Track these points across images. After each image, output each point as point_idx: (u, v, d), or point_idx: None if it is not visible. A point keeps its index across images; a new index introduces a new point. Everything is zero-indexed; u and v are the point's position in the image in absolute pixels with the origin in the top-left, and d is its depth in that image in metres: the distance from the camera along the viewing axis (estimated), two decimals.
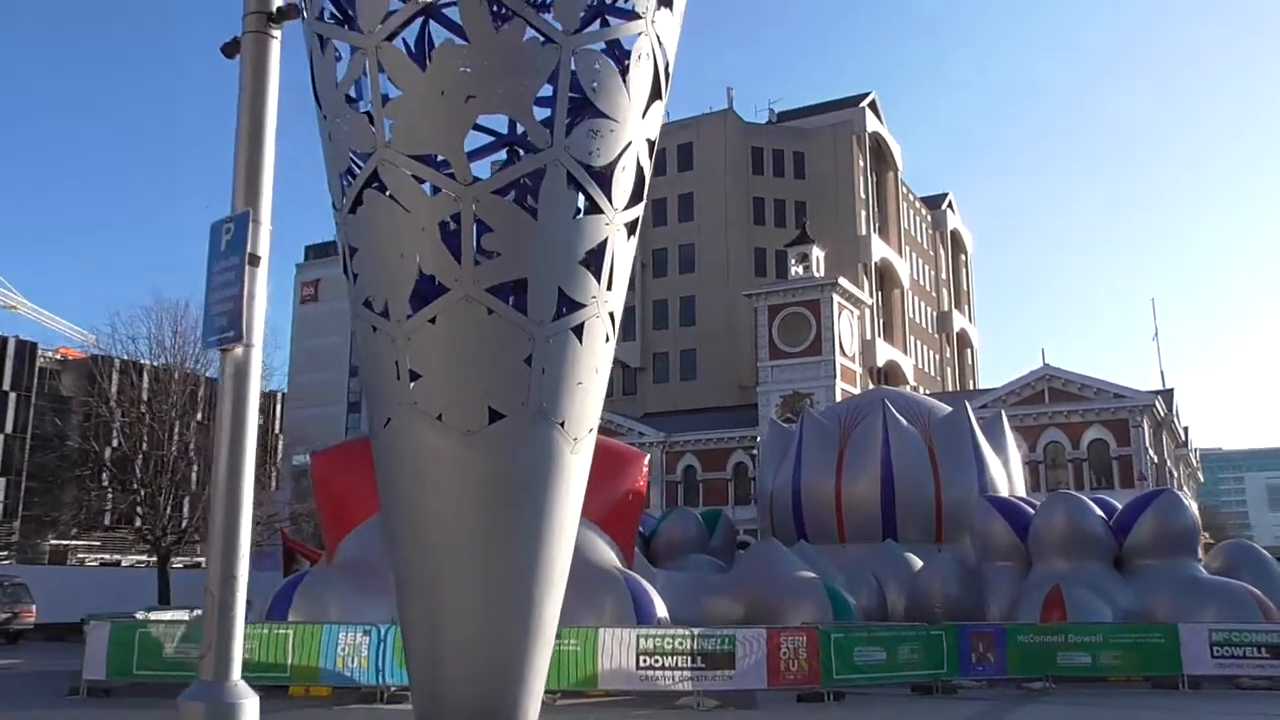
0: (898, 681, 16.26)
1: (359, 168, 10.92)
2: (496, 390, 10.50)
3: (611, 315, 11.42)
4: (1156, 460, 52.22)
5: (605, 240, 11.00)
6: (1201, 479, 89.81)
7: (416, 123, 10.47)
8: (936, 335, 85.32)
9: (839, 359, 54.48)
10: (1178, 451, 64.01)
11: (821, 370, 54.36)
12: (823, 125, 70.09)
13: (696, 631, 15.13)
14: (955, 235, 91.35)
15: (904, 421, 27.30)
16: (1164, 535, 21.92)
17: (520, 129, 11.17)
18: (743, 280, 63.86)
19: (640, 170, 11.46)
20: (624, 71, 11.03)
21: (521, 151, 11.51)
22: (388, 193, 10.54)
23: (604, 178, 10.91)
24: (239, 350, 5.23)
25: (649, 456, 22.92)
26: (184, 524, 34.21)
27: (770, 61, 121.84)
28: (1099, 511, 22.63)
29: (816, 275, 56.02)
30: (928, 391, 67.48)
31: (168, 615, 21.00)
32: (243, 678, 14.96)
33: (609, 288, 11.21)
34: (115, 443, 36.53)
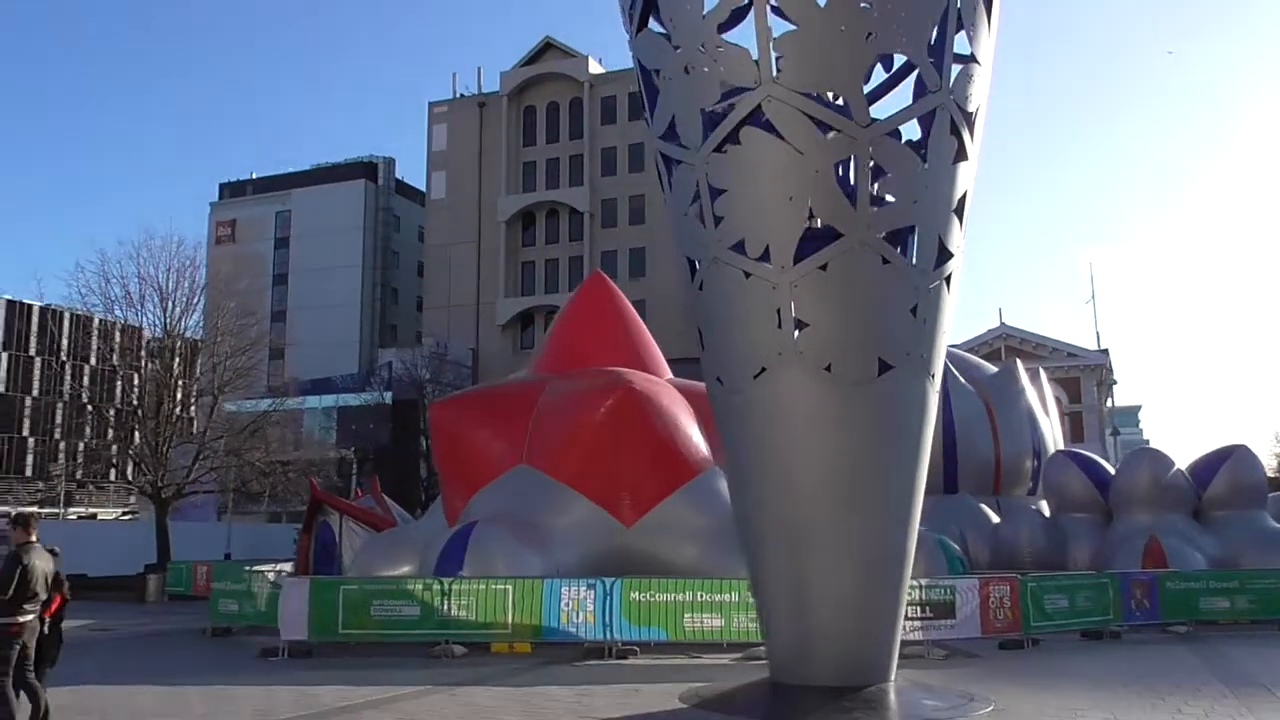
0: (1072, 628, 16.76)
1: (729, 104, 10.42)
2: (886, 341, 10.23)
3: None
4: (1101, 417, 54.83)
5: (968, 189, 10.81)
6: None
7: (812, 59, 10.01)
8: None
9: None
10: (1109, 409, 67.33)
11: None
12: None
13: (924, 582, 15.20)
14: None
15: (963, 380, 27.90)
16: (1239, 488, 23.08)
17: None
18: None
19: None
20: (989, 16, 10.81)
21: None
22: (774, 132, 10.08)
23: (971, 123, 10.69)
24: None
25: None
26: (189, 474, 32.38)
27: None
28: (1180, 467, 23.76)
29: None
30: None
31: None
32: (452, 633, 14.26)
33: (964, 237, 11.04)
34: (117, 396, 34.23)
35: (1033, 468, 27.47)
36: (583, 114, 67.62)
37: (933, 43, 10.21)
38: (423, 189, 75.74)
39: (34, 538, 8.78)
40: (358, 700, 10.61)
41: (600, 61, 69.36)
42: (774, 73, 10.01)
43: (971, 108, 10.58)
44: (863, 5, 9.97)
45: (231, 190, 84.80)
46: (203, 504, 48.11)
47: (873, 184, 10.10)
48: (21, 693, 8.78)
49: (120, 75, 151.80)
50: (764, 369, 10.31)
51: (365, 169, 79.68)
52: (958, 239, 10.67)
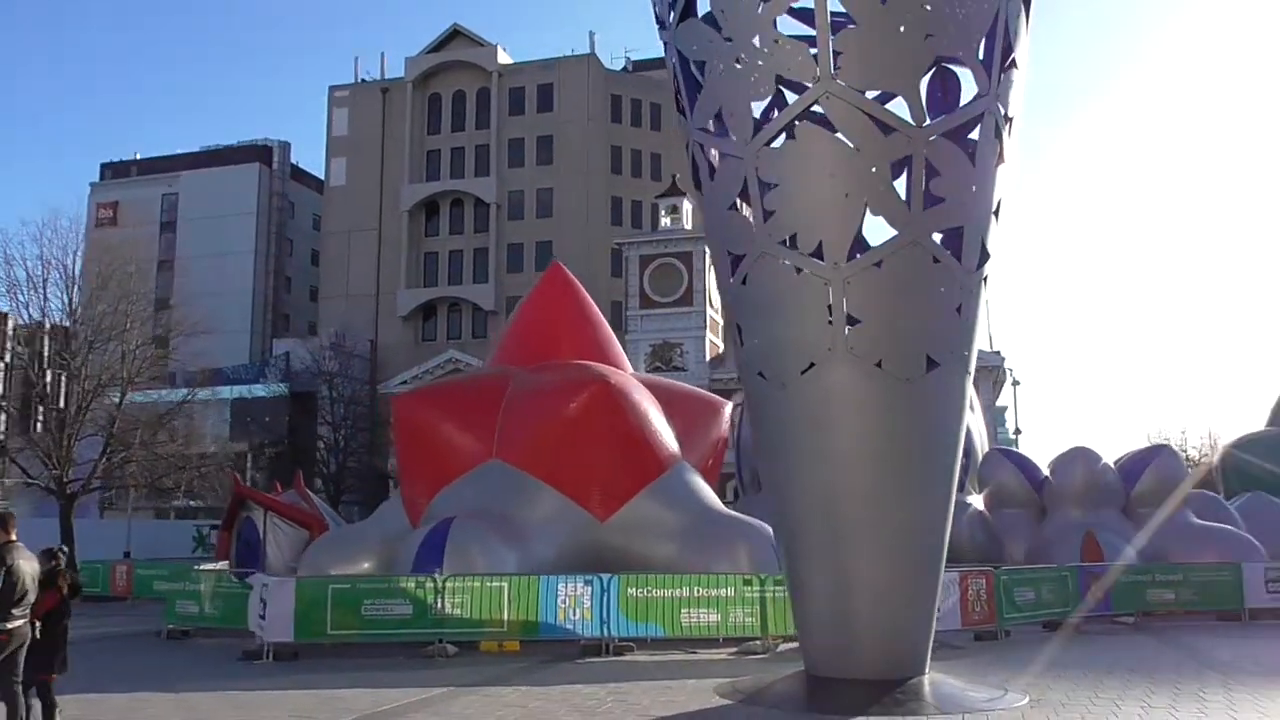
0: (1035, 620, 17.32)
1: (785, 98, 10.42)
2: (935, 338, 10.35)
3: None
4: (994, 416, 56.95)
5: (1004, 193, 11.01)
6: None
7: (873, 57, 10.05)
8: None
9: (708, 311, 55.66)
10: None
11: (692, 321, 55.13)
12: None
13: None
14: None
15: None
16: (1165, 486, 24.25)
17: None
18: (601, 228, 63.37)
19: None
20: (1028, 21, 11.05)
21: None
22: (829, 128, 10.10)
23: (1010, 128, 10.91)
24: None
25: (730, 404, 22.77)
26: (95, 469, 30.72)
27: (629, 5, 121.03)
28: (1110, 465, 24.84)
29: (687, 227, 56.70)
30: None
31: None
32: (447, 632, 13.85)
33: None
34: None
35: (964, 464, 28.22)
36: (490, 104, 66.70)
37: (983, 46, 10.38)
38: (319, 175, 73.55)
39: (14, 537, 8.16)
40: (401, 700, 10.23)
41: (508, 52, 68.55)
42: (832, 69, 10.02)
43: (1012, 113, 10.81)
44: (924, 6, 10.04)
45: (114, 171, 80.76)
46: (84, 501, 45.74)
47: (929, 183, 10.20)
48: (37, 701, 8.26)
49: None
50: (812, 364, 10.32)
51: (259, 152, 76.86)
52: (995, 239, 10.88)
